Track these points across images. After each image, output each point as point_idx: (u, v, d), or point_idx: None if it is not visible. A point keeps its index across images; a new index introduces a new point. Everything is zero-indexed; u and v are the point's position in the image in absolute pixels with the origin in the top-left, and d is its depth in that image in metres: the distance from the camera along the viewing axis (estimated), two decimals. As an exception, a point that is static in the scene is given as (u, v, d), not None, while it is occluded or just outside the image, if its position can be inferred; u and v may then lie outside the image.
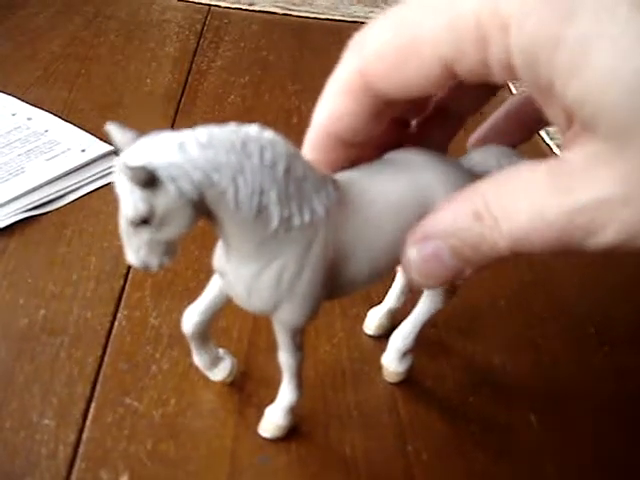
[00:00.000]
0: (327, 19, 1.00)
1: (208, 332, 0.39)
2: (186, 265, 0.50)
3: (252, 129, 0.30)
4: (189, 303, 0.46)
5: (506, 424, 0.43)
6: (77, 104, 0.70)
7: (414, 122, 0.39)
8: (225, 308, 0.42)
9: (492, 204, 0.28)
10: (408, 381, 0.44)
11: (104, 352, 0.43)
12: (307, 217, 0.31)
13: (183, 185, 0.28)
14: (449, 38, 0.26)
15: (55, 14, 0.90)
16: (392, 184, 0.34)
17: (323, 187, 0.32)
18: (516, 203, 0.27)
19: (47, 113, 0.66)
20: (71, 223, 0.53)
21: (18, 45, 0.80)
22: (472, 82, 0.28)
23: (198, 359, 0.40)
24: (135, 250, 0.30)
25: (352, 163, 0.34)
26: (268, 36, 0.93)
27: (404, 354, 0.43)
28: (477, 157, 0.36)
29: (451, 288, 0.40)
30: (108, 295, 0.47)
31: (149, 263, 0.30)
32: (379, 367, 0.44)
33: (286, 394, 0.39)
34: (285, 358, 0.37)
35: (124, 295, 0.47)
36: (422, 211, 0.33)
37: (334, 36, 0.96)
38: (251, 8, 1.00)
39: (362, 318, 0.47)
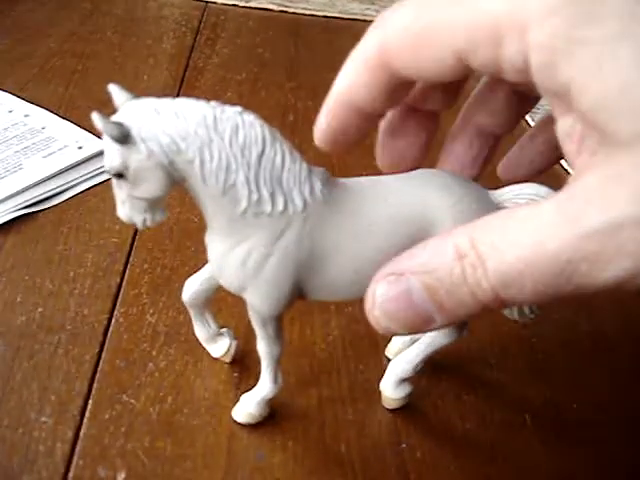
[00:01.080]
0: (324, 16, 1.01)
1: (207, 303, 0.41)
2: (182, 262, 0.51)
3: (231, 109, 0.31)
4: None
5: (500, 423, 0.43)
6: (74, 101, 0.70)
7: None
8: (221, 309, 0.42)
9: (479, 240, 0.26)
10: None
11: (101, 349, 0.43)
12: (280, 206, 0.32)
13: (152, 147, 0.30)
14: (465, 31, 0.26)
15: (52, 10, 0.90)
16: (395, 198, 0.34)
17: (307, 181, 0.32)
18: (509, 236, 0.25)
19: (44, 110, 0.66)
20: (68, 220, 0.54)
21: (15, 42, 0.80)
22: (485, 74, 0.28)
23: (197, 331, 0.42)
24: (121, 203, 0.33)
25: (362, 133, 0.35)
26: (264, 33, 0.93)
27: (402, 381, 0.42)
28: (508, 193, 0.35)
29: (461, 323, 0.39)
30: (105, 292, 0.47)
31: (133, 218, 0.33)
32: (374, 365, 0.45)
33: (262, 385, 0.39)
34: (260, 346, 0.38)
35: (121, 292, 0.48)
36: (421, 233, 0.33)
37: (330, 33, 0.96)
38: (247, 5, 1.00)
39: (357, 316, 0.48)
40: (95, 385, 0.41)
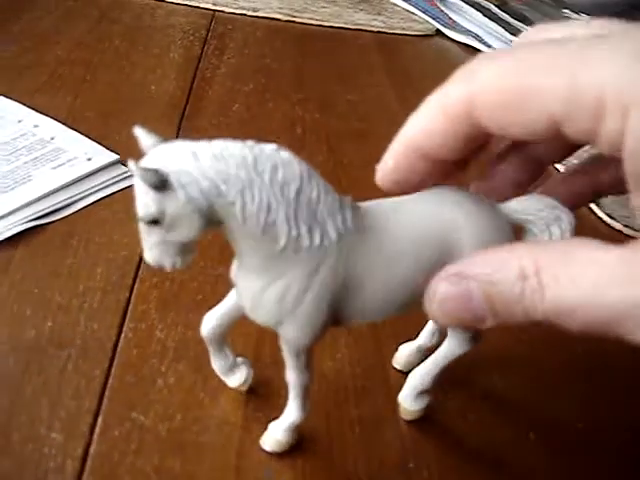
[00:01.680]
0: (330, 26, 1.01)
1: (225, 337, 0.41)
2: (191, 277, 0.51)
3: (268, 147, 0.31)
4: (194, 316, 0.46)
5: (505, 440, 0.43)
6: (82, 111, 0.70)
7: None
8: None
9: (543, 269, 0.27)
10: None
11: (111, 365, 0.43)
12: (317, 240, 0.32)
13: (192, 192, 0.30)
14: (565, 100, 0.27)
15: (60, 18, 0.90)
16: (418, 220, 0.34)
17: (339, 212, 0.32)
18: (571, 273, 0.27)
19: (53, 120, 0.66)
20: (77, 233, 0.54)
21: (23, 50, 0.80)
22: (576, 141, 0.28)
23: (215, 364, 0.41)
24: (149, 248, 0.32)
25: (428, 177, 0.35)
26: (271, 43, 0.93)
27: (420, 393, 0.42)
28: (517, 205, 0.36)
29: (476, 334, 0.40)
30: (114, 307, 0.48)
31: (162, 262, 0.32)
32: (382, 383, 0.45)
33: (290, 412, 0.39)
34: (291, 377, 0.37)
35: (130, 307, 0.48)
36: (446, 252, 0.33)
37: (337, 44, 0.97)
38: (255, 14, 1.00)
39: (365, 334, 0.48)
40: (105, 401, 0.41)
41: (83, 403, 0.41)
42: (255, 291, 0.34)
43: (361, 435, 0.42)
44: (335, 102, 0.80)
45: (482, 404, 0.46)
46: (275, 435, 0.40)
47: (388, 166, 0.35)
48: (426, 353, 0.45)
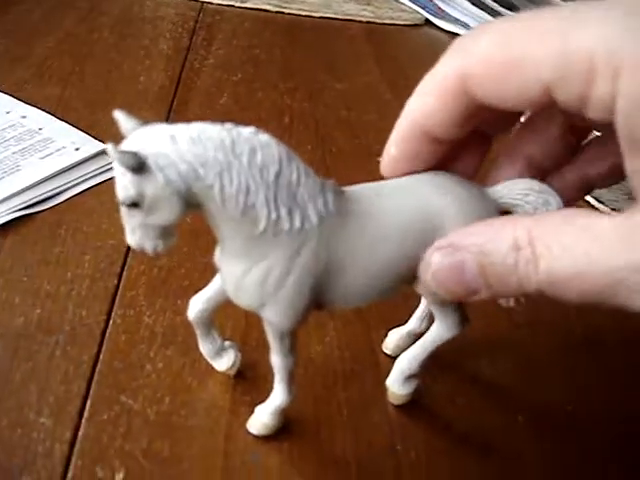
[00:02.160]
0: (319, 17, 1.01)
1: (212, 321, 0.41)
2: (179, 263, 0.51)
3: (246, 130, 0.31)
4: (182, 302, 0.47)
5: (494, 424, 0.44)
6: (71, 102, 0.70)
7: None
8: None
9: (537, 239, 0.28)
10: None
11: (99, 350, 0.43)
12: (297, 223, 0.32)
13: (170, 175, 0.30)
14: (556, 66, 0.27)
15: (49, 10, 0.90)
16: (402, 205, 0.34)
17: (321, 195, 0.32)
18: (564, 242, 0.27)
19: (41, 111, 0.66)
20: (65, 222, 0.54)
21: (12, 42, 0.80)
22: (567, 110, 0.28)
23: (203, 347, 0.42)
24: (131, 231, 0.32)
25: (433, 161, 0.35)
26: (260, 34, 0.93)
27: (408, 377, 0.42)
28: (503, 189, 0.36)
29: (463, 318, 0.40)
30: (102, 294, 0.48)
31: (143, 245, 0.32)
32: (370, 367, 0.45)
33: (276, 396, 0.39)
34: (275, 360, 0.38)
35: (118, 294, 0.48)
36: (429, 236, 0.33)
37: (326, 34, 0.97)
38: (243, 5, 1.00)
39: (354, 318, 0.48)
40: (93, 386, 0.41)
41: (72, 388, 0.41)
42: (237, 275, 0.34)
43: (349, 418, 0.42)
44: (324, 91, 0.80)
45: (471, 388, 0.46)
46: (261, 418, 0.40)
47: (392, 154, 0.35)
48: (415, 338, 0.45)
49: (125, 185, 0.30)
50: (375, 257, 0.34)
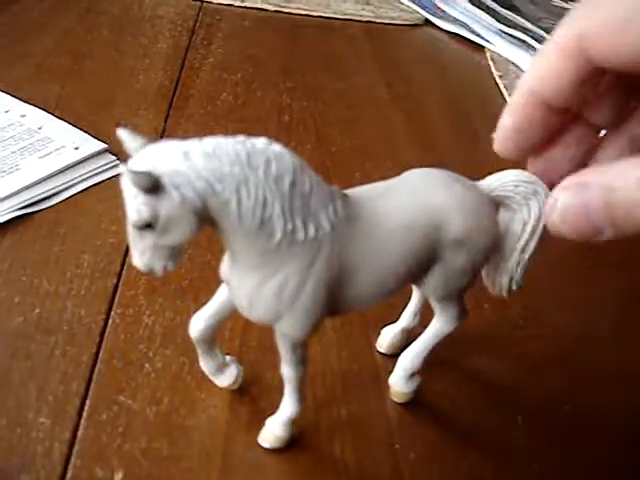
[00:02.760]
0: (319, 16, 1.01)
1: (215, 338, 0.40)
2: (179, 264, 0.51)
3: (259, 141, 0.31)
4: (182, 302, 0.47)
5: (493, 424, 0.44)
6: (70, 101, 0.70)
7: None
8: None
9: None
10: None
11: (98, 350, 0.44)
12: (312, 232, 0.32)
13: (186, 193, 0.29)
14: None
15: (48, 9, 0.90)
16: (404, 205, 0.34)
17: (331, 202, 0.32)
18: None
19: (40, 110, 0.66)
20: (65, 221, 0.54)
21: (11, 41, 0.80)
22: None
23: (204, 365, 0.41)
24: (140, 253, 0.31)
25: (545, 134, 0.35)
26: (259, 33, 0.93)
27: (411, 375, 0.42)
28: (494, 182, 0.36)
29: (462, 312, 0.40)
30: (102, 293, 0.48)
31: (153, 267, 0.32)
32: (368, 366, 0.45)
33: (287, 406, 0.39)
34: (287, 371, 0.37)
35: (118, 293, 0.48)
36: (433, 234, 0.34)
37: (325, 33, 0.96)
38: (243, 5, 1.00)
39: (351, 318, 0.48)
40: (92, 386, 0.41)
41: (71, 387, 0.41)
42: (252, 288, 0.33)
43: (347, 417, 0.42)
44: (323, 91, 0.80)
45: (470, 387, 0.46)
46: (274, 431, 0.39)
47: (507, 124, 0.35)
48: (408, 335, 0.45)
49: (138, 207, 0.29)
50: (383, 257, 0.34)
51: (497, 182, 0.36)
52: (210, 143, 0.30)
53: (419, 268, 0.35)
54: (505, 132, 0.35)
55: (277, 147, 0.31)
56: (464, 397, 0.45)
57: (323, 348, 0.46)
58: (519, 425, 0.44)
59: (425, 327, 0.42)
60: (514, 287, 0.39)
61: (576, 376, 0.48)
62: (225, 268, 0.35)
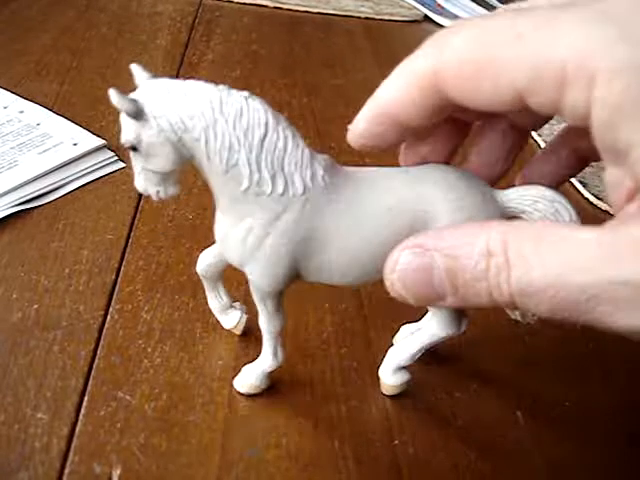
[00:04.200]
0: (318, 13, 1.01)
1: (219, 277, 0.43)
2: (177, 259, 0.51)
3: (238, 93, 0.34)
4: (180, 297, 0.47)
5: (492, 420, 0.43)
6: (69, 97, 0.70)
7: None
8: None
9: (511, 248, 0.26)
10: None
11: (97, 346, 0.43)
12: (280, 188, 0.34)
13: (162, 123, 0.33)
14: (529, 73, 0.27)
15: (47, 6, 0.90)
16: (394, 192, 0.35)
17: (309, 167, 0.34)
18: (540, 252, 0.25)
19: (39, 106, 0.66)
20: (63, 217, 0.54)
21: (10, 37, 0.80)
22: (542, 113, 0.28)
23: (210, 302, 0.44)
24: (137, 175, 0.35)
25: (400, 143, 0.37)
26: (259, 30, 0.93)
27: (400, 368, 0.42)
28: (513, 194, 0.35)
29: (458, 319, 0.40)
30: (100, 289, 0.48)
31: (147, 189, 0.36)
32: (367, 363, 0.45)
33: (263, 358, 0.41)
34: (261, 321, 0.39)
35: (116, 289, 0.48)
36: (419, 226, 0.34)
37: (325, 30, 0.96)
38: (242, 1, 1.00)
39: (351, 313, 0.48)
40: (90, 382, 0.41)
41: (69, 383, 0.41)
42: (223, 230, 0.36)
43: (347, 413, 0.42)
44: (322, 87, 0.80)
45: (469, 383, 0.46)
46: (248, 378, 0.41)
47: (360, 130, 0.35)
48: None
49: (126, 129, 0.33)
50: (359, 236, 0.35)
51: (515, 194, 0.35)
52: (192, 84, 0.33)
53: None
54: (357, 135, 0.35)
55: (255, 102, 0.34)
56: (464, 392, 0.45)
57: (323, 344, 0.46)
58: (519, 421, 0.44)
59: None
60: (529, 315, 0.40)
61: (577, 373, 0.48)
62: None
